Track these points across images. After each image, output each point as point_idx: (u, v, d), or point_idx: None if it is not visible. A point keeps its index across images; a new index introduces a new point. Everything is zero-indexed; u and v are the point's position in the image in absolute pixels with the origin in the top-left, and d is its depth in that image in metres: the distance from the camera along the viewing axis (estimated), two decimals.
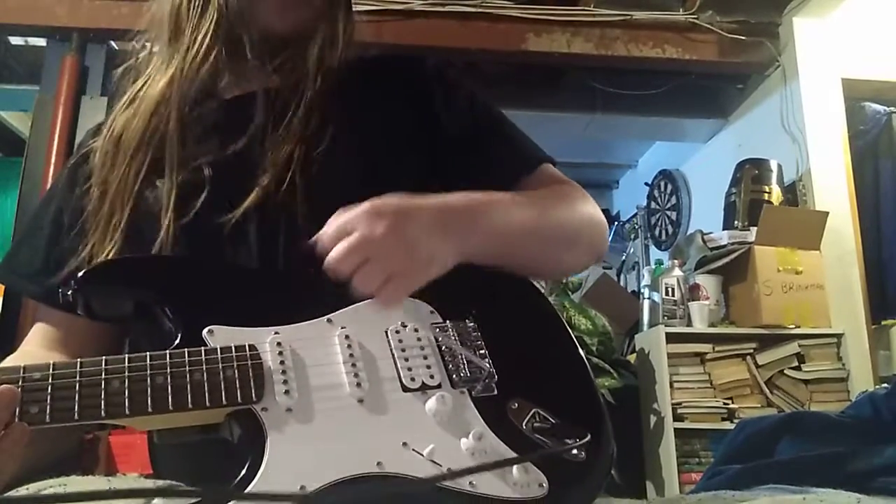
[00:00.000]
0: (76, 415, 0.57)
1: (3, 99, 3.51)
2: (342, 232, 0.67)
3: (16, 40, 3.25)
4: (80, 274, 0.70)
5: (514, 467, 0.61)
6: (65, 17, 2.88)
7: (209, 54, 0.83)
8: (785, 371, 2.76)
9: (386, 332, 0.70)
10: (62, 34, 2.93)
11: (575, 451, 0.64)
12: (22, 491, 0.60)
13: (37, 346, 0.82)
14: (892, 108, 3.48)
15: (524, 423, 0.66)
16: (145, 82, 0.86)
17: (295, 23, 0.84)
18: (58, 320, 0.83)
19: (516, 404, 0.67)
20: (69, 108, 2.86)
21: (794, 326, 2.78)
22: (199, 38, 0.83)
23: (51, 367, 0.59)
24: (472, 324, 0.73)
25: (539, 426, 0.66)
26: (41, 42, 3.11)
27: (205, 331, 0.66)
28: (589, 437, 0.65)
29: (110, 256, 0.78)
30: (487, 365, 0.69)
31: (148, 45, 0.90)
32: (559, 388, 0.72)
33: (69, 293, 0.70)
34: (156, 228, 0.77)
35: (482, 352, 0.71)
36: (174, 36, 0.85)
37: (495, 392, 0.68)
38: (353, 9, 0.92)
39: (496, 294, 0.80)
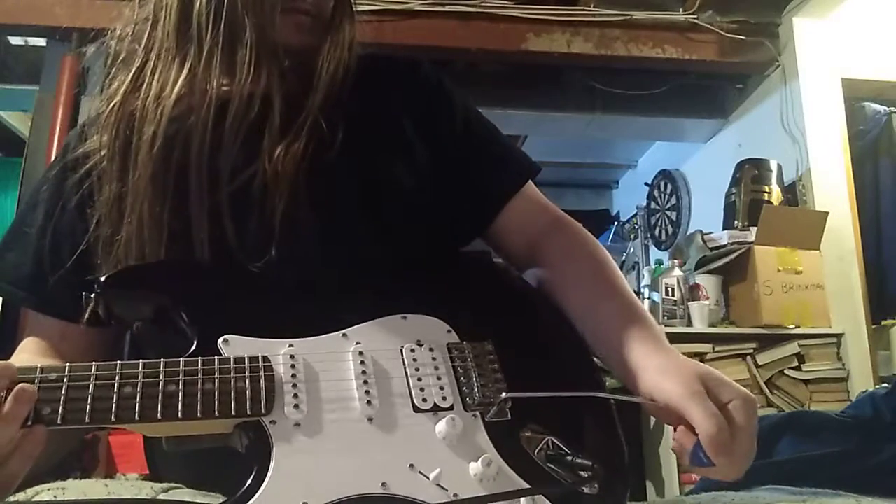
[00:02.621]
0: (87, 417, 0.57)
1: (3, 99, 3.51)
2: (716, 416, 0.63)
3: (16, 40, 3.24)
4: (103, 278, 0.70)
5: (522, 498, 0.59)
6: (65, 17, 2.88)
7: (224, 60, 0.81)
8: (785, 371, 2.76)
9: (401, 351, 0.69)
10: (62, 34, 2.93)
11: (589, 483, 0.62)
12: (19, 496, 0.60)
13: (31, 354, 0.82)
14: (892, 108, 3.48)
15: (536, 452, 0.65)
16: (152, 78, 0.82)
17: (310, 39, 0.86)
18: (50, 328, 0.82)
19: (530, 431, 0.66)
20: (69, 107, 2.86)
21: (794, 326, 2.78)
22: (220, 44, 0.81)
23: (66, 368, 0.59)
24: (489, 346, 0.72)
25: (552, 455, 0.64)
26: (41, 42, 3.11)
27: (220, 340, 0.66)
28: (602, 471, 0.62)
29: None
30: (502, 389, 0.68)
31: (131, 32, 0.87)
32: (577, 418, 0.70)
33: (92, 297, 0.70)
34: (185, 241, 0.76)
35: (498, 375, 0.69)
36: (190, 37, 0.82)
37: (509, 417, 0.66)
38: (355, 10, 0.92)
39: (517, 316, 0.79)
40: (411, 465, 0.61)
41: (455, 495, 0.59)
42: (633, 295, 0.84)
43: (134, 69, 0.84)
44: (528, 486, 0.61)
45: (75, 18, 2.86)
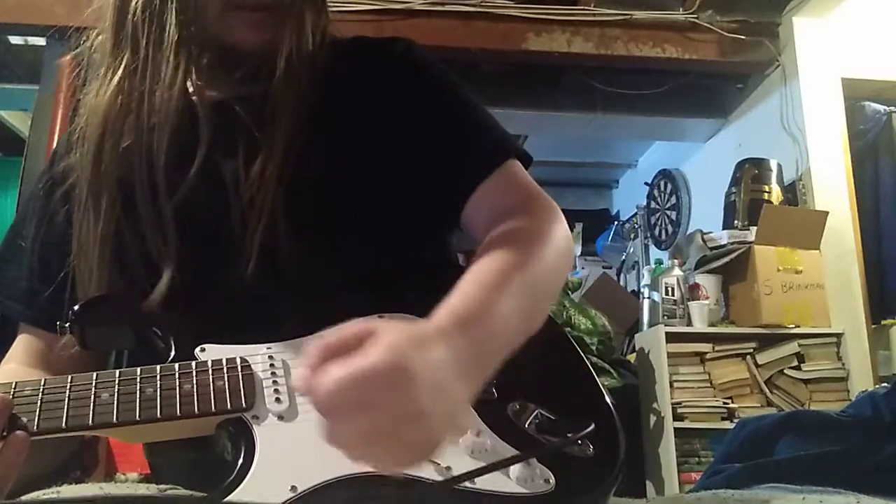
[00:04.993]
0: (64, 423, 0.57)
1: (3, 98, 3.52)
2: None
3: (15, 40, 3.25)
4: (76, 307, 0.70)
5: (515, 466, 0.60)
6: (64, 17, 2.87)
7: (169, 65, 0.78)
8: (785, 371, 2.76)
9: None
10: (61, 34, 2.93)
11: (581, 445, 0.63)
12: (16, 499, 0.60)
13: (18, 364, 0.81)
14: (892, 108, 3.48)
15: (526, 423, 0.65)
16: (98, 89, 0.81)
17: (267, 39, 0.80)
18: (41, 337, 0.82)
19: (517, 405, 0.66)
20: (69, 107, 2.86)
21: (793, 326, 2.78)
22: (162, 50, 0.78)
23: (42, 382, 0.59)
24: None
25: (542, 424, 0.65)
26: (41, 42, 3.11)
27: (197, 349, 0.66)
28: (592, 427, 0.63)
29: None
30: None
31: (98, 42, 0.85)
32: (561, 388, 0.71)
33: (67, 325, 0.70)
34: (143, 257, 0.75)
35: None
36: (127, 45, 0.80)
37: (494, 395, 0.67)
38: (329, 8, 0.87)
39: None
40: None
41: (448, 468, 0.59)
42: (540, 264, 0.68)
43: (97, 83, 0.82)
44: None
45: (75, 18, 2.86)
